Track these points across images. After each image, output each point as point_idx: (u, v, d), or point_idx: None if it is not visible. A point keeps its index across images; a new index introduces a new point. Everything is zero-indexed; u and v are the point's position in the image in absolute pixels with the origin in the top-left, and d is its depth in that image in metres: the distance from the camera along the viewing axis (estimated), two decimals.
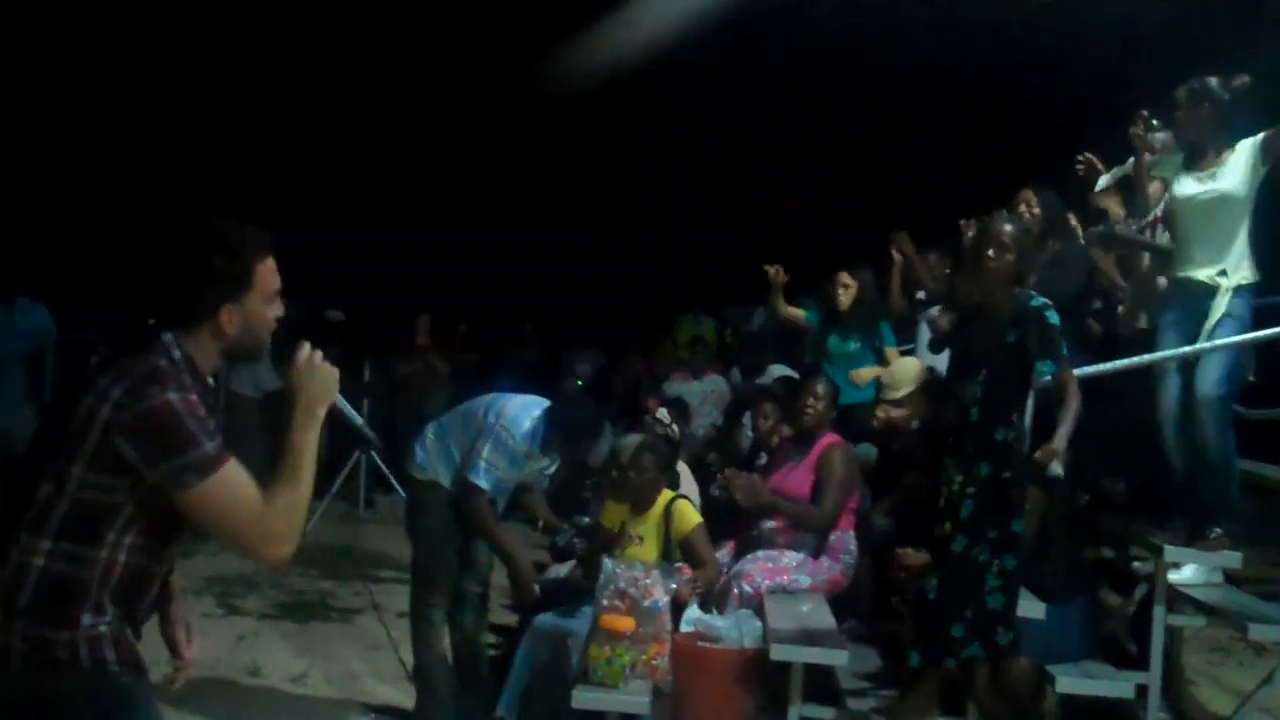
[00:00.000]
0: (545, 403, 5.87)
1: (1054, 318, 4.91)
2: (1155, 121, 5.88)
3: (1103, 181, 6.55)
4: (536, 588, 6.06)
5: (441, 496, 5.83)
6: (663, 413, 7.32)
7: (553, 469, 6.22)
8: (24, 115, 14.97)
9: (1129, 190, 6.26)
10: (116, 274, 2.92)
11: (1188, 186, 5.58)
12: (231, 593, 8.30)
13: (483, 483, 5.70)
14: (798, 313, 8.40)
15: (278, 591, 8.49)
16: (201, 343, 2.72)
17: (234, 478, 2.62)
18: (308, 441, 2.73)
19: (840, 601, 6.18)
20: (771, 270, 8.29)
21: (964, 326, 5.16)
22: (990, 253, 4.99)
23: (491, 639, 6.53)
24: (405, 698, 6.20)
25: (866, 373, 7.57)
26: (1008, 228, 5.03)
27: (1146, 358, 5.62)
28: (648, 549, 5.93)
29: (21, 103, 14.96)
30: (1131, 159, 6.09)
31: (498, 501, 5.96)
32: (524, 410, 5.79)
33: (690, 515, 5.95)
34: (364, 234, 17.03)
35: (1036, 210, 6.12)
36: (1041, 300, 4.95)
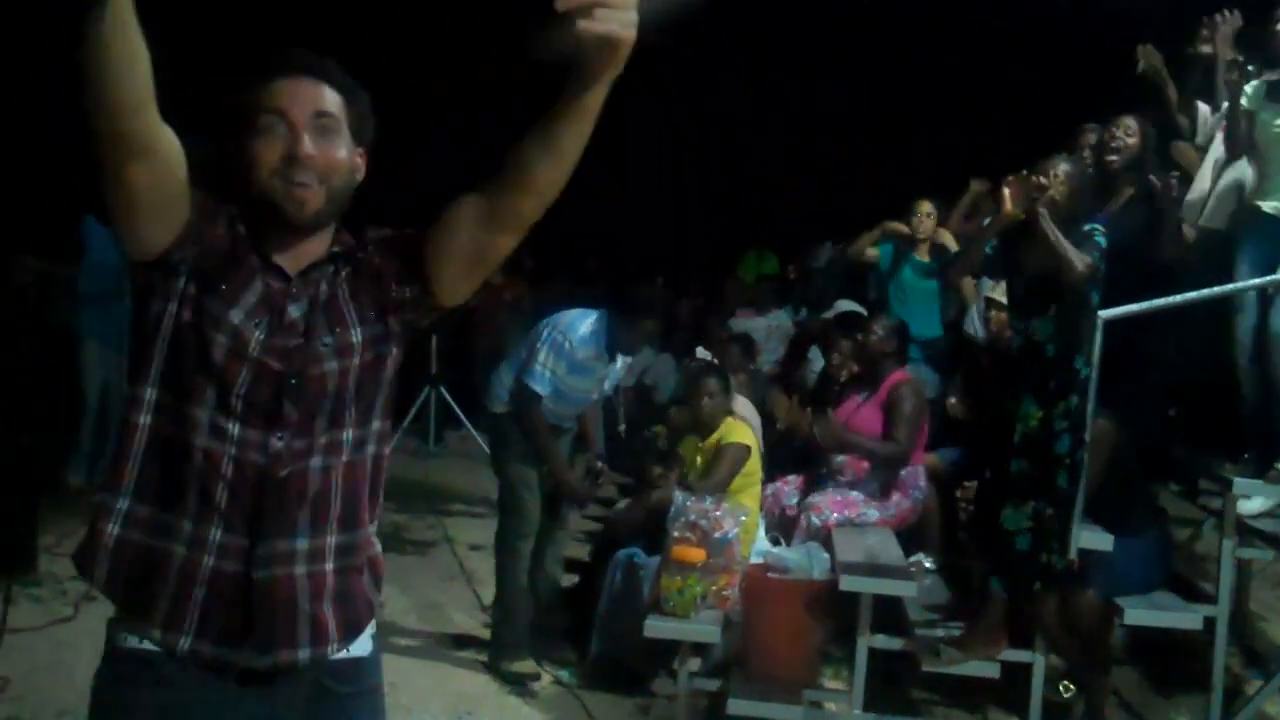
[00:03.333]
0: (603, 311, 5.98)
1: (1102, 240, 4.94)
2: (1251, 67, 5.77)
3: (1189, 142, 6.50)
4: (583, 496, 6.29)
5: (519, 428, 5.95)
6: (701, 350, 7.36)
7: (612, 382, 6.26)
8: None
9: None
10: None
11: (1267, 115, 5.55)
12: None
13: (538, 386, 5.80)
14: (872, 251, 8.31)
15: None
16: None
17: None
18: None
19: (909, 535, 6.25)
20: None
21: (1018, 262, 5.15)
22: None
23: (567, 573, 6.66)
24: (481, 628, 6.36)
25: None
26: (1063, 166, 5.03)
27: (1220, 289, 5.59)
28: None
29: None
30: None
31: (563, 416, 6.07)
32: (581, 316, 5.92)
33: (734, 433, 6.03)
34: (431, 166, 17.05)
35: (1133, 140, 6.01)
36: (1091, 225, 4.96)
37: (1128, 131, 6.00)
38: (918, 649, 5.27)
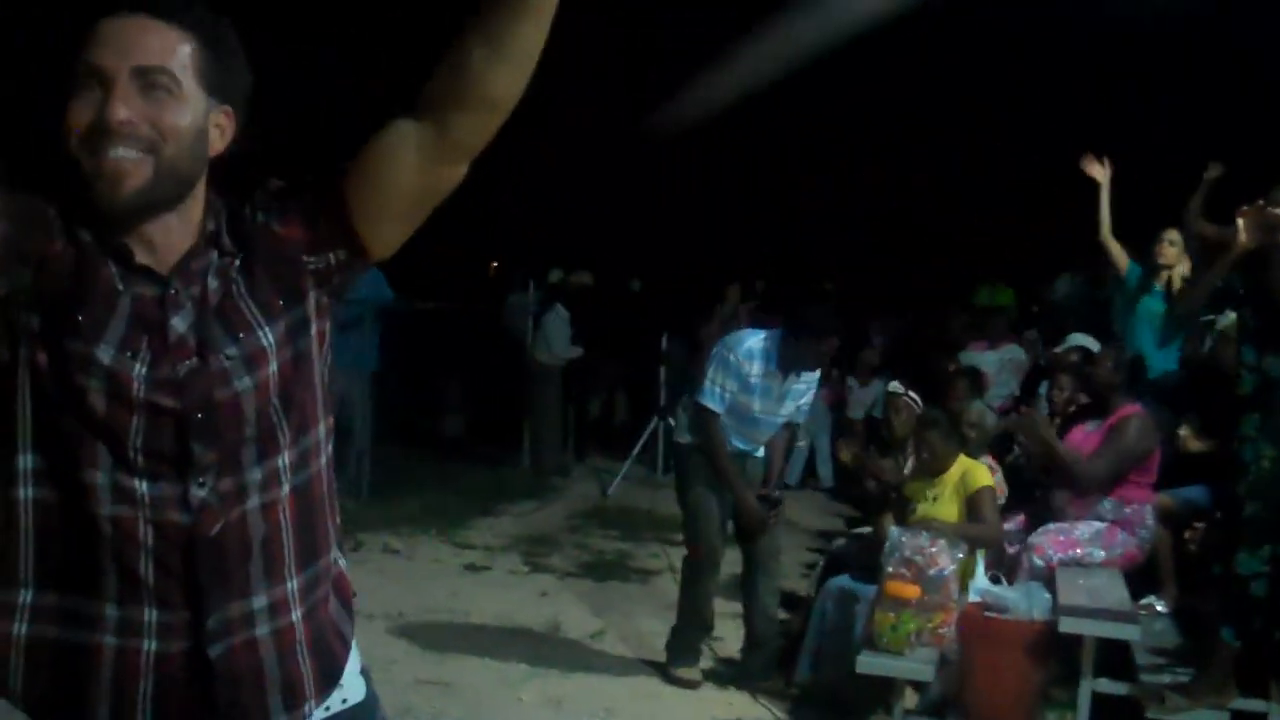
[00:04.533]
0: (774, 330, 6.06)
1: None
2: None
3: None
4: (758, 521, 6.09)
5: (703, 458, 6.05)
6: (895, 385, 7.21)
7: (804, 408, 6.27)
8: None
9: None
10: None
11: None
12: (536, 551, 8.71)
13: (710, 403, 5.91)
14: (1121, 254, 7.95)
15: (580, 551, 8.86)
16: None
17: None
18: None
19: (1141, 576, 6.04)
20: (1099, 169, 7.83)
21: (1254, 295, 4.92)
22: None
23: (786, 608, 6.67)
24: (702, 655, 6.40)
25: None
26: None
27: None
28: (945, 508, 5.90)
29: None
30: None
31: (749, 440, 6.10)
32: (750, 334, 6.06)
33: (981, 476, 5.90)
34: (658, 199, 17.29)
35: None
36: None
37: None
38: (1142, 694, 5.07)
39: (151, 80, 1.76)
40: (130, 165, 1.75)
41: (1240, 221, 4.79)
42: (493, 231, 18.11)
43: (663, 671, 6.19)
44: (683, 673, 6.08)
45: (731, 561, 6.52)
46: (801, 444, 12.31)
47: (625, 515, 10.19)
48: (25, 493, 1.79)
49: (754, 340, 5.98)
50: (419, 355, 13.29)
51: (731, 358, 5.90)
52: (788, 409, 6.13)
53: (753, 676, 6.09)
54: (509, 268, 13.88)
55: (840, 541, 7.07)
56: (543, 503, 10.67)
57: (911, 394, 7.16)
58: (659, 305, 12.88)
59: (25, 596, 1.81)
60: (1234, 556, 4.78)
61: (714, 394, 5.92)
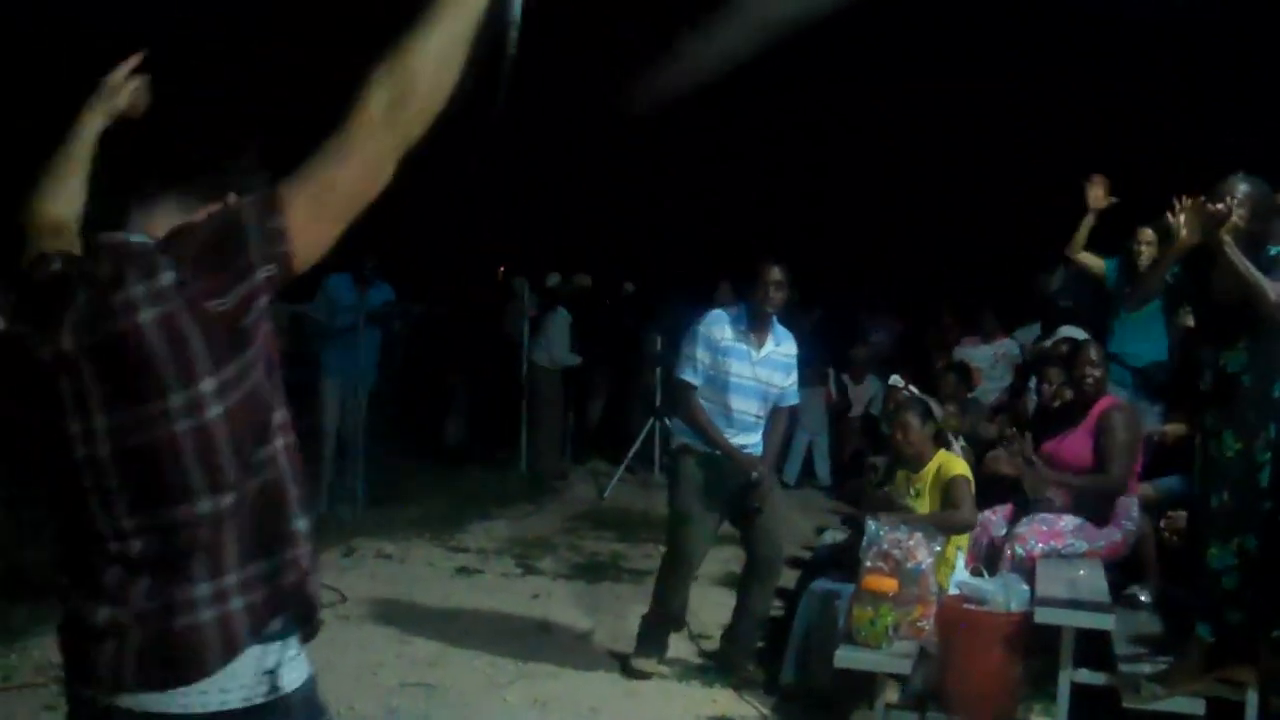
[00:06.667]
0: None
1: None
2: None
3: None
4: (758, 470, 6.09)
5: (696, 456, 6.11)
6: (896, 378, 7.22)
7: (790, 383, 6.25)
8: None
9: None
10: None
11: None
12: (529, 554, 8.74)
13: (685, 375, 6.08)
14: (1095, 261, 7.91)
15: (573, 553, 8.89)
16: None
17: None
18: None
19: (1125, 567, 6.07)
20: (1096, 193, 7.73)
21: (1204, 291, 4.92)
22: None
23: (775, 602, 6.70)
24: (688, 653, 6.48)
25: None
26: (1242, 186, 4.72)
27: None
28: (923, 504, 5.95)
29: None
30: None
31: (741, 413, 6.10)
32: (719, 309, 6.29)
33: (955, 465, 5.95)
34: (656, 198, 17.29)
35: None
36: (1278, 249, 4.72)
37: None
38: (1120, 684, 5.10)
39: None
40: None
41: (1180, 218, 4.76)
42: (499, 237, 18.13)
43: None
44: (641, 663, 6.15)
45: (732, 560, 6.56)
46: (799, 442, 12.36)
47: (621, 517, 10.22)
48: (279, 442, 2.06)
49: (722, 311, 6.21)
50: (422, 361, 13.32)
51: (701, 328, 6.10)
52: (770, 377, 6.15)
53: (727, 668, 6.18)
54: (512, 273, 13.95)
55: (823, 542, 7.09)
56: (539, 506, 10.70)
57: (911, 388, 7.17)
58: (653, 307, 12.88)
59: (234, 578, 2.01)
60: (1204, 550, 4.80)
61: (689, 367, 6.08)
